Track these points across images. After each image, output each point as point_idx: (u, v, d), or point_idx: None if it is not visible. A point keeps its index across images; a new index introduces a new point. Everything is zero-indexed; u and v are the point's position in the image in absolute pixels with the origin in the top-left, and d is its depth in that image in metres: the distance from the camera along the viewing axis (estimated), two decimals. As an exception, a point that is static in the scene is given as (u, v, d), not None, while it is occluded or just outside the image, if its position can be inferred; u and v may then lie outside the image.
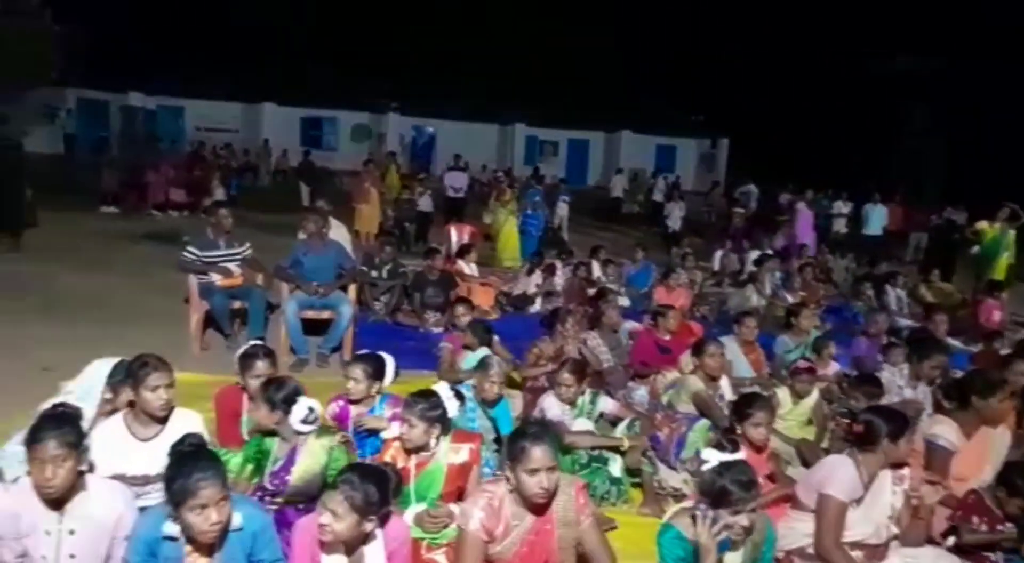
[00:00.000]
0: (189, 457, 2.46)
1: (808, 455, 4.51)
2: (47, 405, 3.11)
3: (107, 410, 3.41)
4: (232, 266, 6.48)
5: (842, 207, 17.06)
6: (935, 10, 26.67)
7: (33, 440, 2.46)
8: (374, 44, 32.22)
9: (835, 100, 31.10)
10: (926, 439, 3.93)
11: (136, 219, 13.42)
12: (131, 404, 3.18)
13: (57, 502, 2.54)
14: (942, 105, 26.86)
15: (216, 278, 6.38)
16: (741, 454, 2.75)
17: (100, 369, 3.49)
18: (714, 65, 34.56)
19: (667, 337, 5.88)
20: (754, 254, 11.41)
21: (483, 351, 4.88)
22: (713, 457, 2.69)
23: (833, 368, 5.89)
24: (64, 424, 2.53)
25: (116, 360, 3.50)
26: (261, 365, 3.73)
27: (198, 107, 25.85)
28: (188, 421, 3.22)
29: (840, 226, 16.90)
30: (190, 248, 6.47)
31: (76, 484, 2.55)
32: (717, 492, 2.59)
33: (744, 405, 3.85)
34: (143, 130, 16.66)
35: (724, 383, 4.81)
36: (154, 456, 3.09)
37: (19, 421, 3.92)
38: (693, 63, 34.56)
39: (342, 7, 31.53)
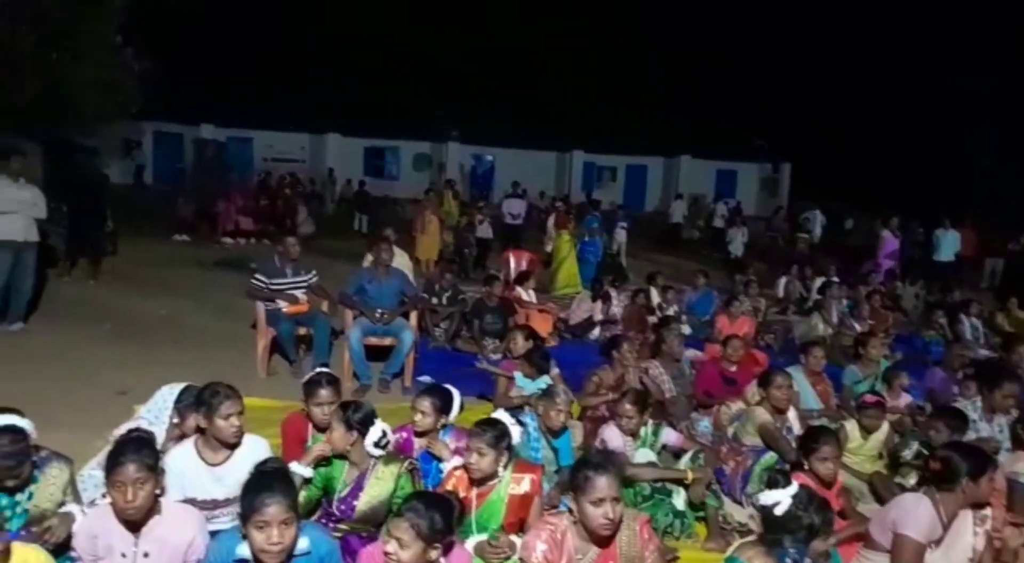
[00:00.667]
0: (266, 476, 2.54)
1: (882, 491, 4.35)
2: (122, 429, 3.24)
3: (176, 434, 3.52)
4: (298, 293, 6.63)
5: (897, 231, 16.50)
6: (1010, 27, 25.80)
7: (114, 463, 2.56)
8: (435, 74, 32.96)
9: (903, 121, 30.30)
10: (1008, 478, 3.75)
11: (207, 247, 13.89)
12: (200, 430, 3.27)
13: (134, 524, 2.62)
14: (1018, 125, 25.85)
15: (283, 305, 6.54)
16: (794, 488, 2.67)
17: (169, 394, 3.60)
18: (775, 88, 34.17)
19: (732, 367, 5.77)
20: (819, 281, 11.16)
21: (544, 379, 4.87)
22: (779, 496, 2.61)
23: (905, 400, 5.68)
24: (143, 448, 2.63)
25: (184, 385, 3.61)
26: (325, 393, 3.79)
27: (266, 138, 26.72)
28: (256, 447, 3.29)
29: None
30: (258, 276, 6.65)
31: (152, 507, 2.64)
32: (796, 524, 2.54)
33: (811, 439, 3.75)
34: (214, 161, 17.33)
35: (792, 415, 4.69)
36: (222, 481, 3.19)
37: (96, 444, 4.10)
38: (753, 87, 34.25)
39: (403, 39, 32.37)
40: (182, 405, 3.52)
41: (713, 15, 34.82)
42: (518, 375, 5.05)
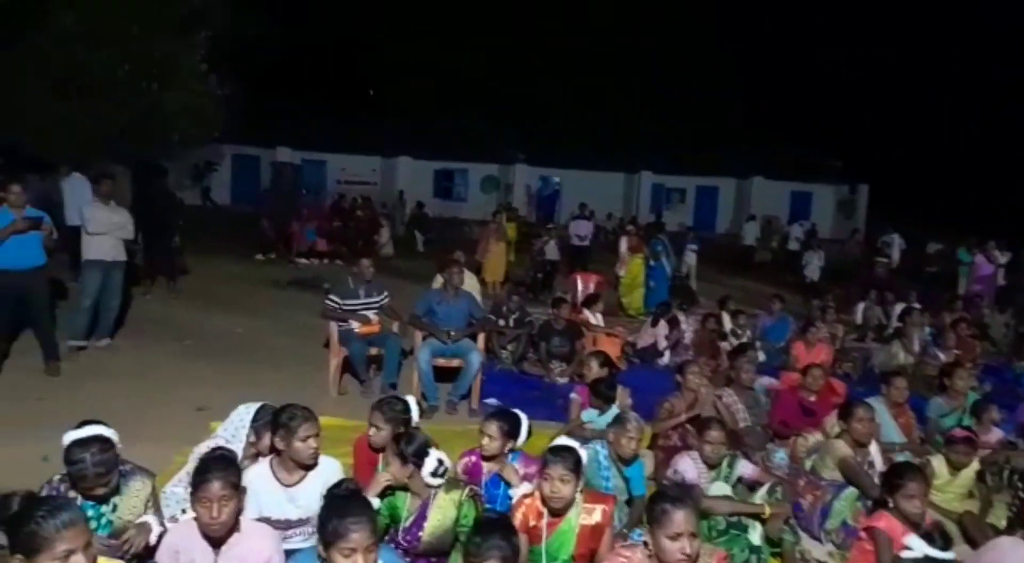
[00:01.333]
0: (344, 500, 2.54)
1: (974, 532, 4.10)
2: (203, 447, 3.33)
3: (252, 453, 3.59)
4: (370, 314, 6.75)
5: (999, 257, 15.73)
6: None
7: (200, 481, 2.63)
8: (503, 97, 33.38)
9: (987, 141, 29.10)
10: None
11: (282, 266, 14.30)
12: (275, 450, 3.33)
13: (216, 541, 2.69)
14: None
15: (355, 325, 6.66)
16: (951, 555, 2.52)
17: (246, 413, 3.67)
18: (851, 108, 33.32)
19: (811, 397, 5.57)
20: (900, 307, 10.73)
21: (612, 410, 4.79)
22: (918, 547, 2.49)
23: (995, 435, 5.38)
24: (228, 466, 2.70)
25: (259, 405, 3.69)
26: (377, 416, 3.79)
27: (339, 161, 27.47)
28: (330, 469, 3.34)
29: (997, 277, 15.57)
30: (332, 296, 6.80)
31: (233, 525, 2.70)
32: None
33: (895, 475, 3.56)
34: (290, 183, 17.90)
35: (873, 449, 4.48)
36: (297, 502, 3.24)
37: (176, 459, 4.23)
38: (829, 107, 33.48)
39: (473, 64, 32.91)
40: (258, 424, 3.59)
41: (787, 36, 34.26)
42: (588, 411, 4.97)
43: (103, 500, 2.95)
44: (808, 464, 4.51)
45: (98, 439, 2.90)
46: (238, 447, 3.57)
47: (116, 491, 2.97)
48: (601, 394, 4.90)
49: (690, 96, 33.52)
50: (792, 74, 33.71)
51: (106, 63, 11.76)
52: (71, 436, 2.92)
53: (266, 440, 3.50)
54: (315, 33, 27.43)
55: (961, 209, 25.08)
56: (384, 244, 18.16)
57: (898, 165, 31.05)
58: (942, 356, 8.30)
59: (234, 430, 3.69)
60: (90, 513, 2.90)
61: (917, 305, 10.49)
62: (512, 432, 3.83)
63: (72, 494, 2.91)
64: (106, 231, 7.15)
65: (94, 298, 7.18)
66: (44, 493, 2.89)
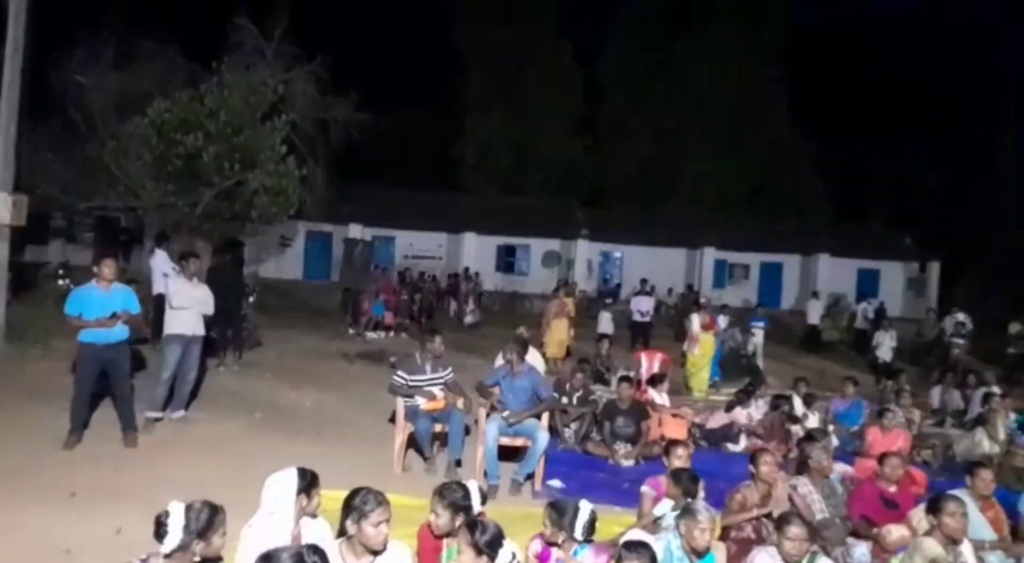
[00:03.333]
0: None
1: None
2: (254, 522, 3.37)
3: (301, 518, 3.59)
4: (436, 390, 6.82)
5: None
6: None
7: None
8: (566, 174, 34.13)
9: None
10: None
11: (351, 340, 14.60)
12: (345, 533, 3.33)
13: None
14: None
15: (421, 402, 6.74)
16: None
17: (284, 481, 3.60)
18: (921, 185, 32.72)
19: (892, 488, 5.32)
20: (981, 391, 10.26)
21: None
22: None
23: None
24: None
25: (295, 470, 3.63)
26: (438, 504, 3.73)
27: (407, 237, 28.26)
28: (399, 555, 3.34)
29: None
30: (400, 372, 6.90)
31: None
32: None
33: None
34: (361, 259, 18.45)
35: (966, 548, 4.24)
36: (364, 586, 3.24)
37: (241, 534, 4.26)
38: (897, 183, 32.99)
39: (534, 142, 33.88)
40: (305, 485, 3.58)
41: (853, 110, 34.23)
42: (662, 504, 4.77)
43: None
44: None
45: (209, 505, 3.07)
46: (284, 518, 3.56)
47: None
48: (683, 485, 4.65)
49: (754, 172, 33.61)
50: (859, 149, 33.46)
51: (195, 147, 12.56)
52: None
53: (316, 500, 3.59)
54: (390, 116, 28.61)
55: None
56: (470, 311, 18.58)
57: (971, 240, 30.16)
58: (1031, 446, 7.88)
59: (277, 502, 3.66)
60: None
61: (996, 390, 10.01)
62: (570, 522, 3.76)
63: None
64: (189, 306, 7.48)
65: (173, 371, 7.45)
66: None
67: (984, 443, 8.12)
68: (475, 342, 14.98)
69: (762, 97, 32.94)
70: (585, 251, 28.39)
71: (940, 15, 34.00)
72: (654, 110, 33.55)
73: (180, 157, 12.84)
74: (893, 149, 33.53)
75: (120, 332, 6.66)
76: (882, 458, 5.58)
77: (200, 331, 7.66)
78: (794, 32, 33.32)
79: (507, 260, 28.96)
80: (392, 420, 7.08)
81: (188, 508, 3.06)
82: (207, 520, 3.08)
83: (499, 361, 7.86)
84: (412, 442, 6.88)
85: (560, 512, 3.80)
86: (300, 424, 8.00)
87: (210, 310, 7.77)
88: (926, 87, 33.94)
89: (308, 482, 3.58)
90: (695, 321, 12.18)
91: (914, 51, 34.40)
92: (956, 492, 5.05)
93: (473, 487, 3.82)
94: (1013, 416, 8.99)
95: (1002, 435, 8.24)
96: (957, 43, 32.87)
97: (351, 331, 15.28)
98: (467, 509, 3.70)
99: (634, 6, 34.17)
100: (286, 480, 3.57)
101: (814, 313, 20.00)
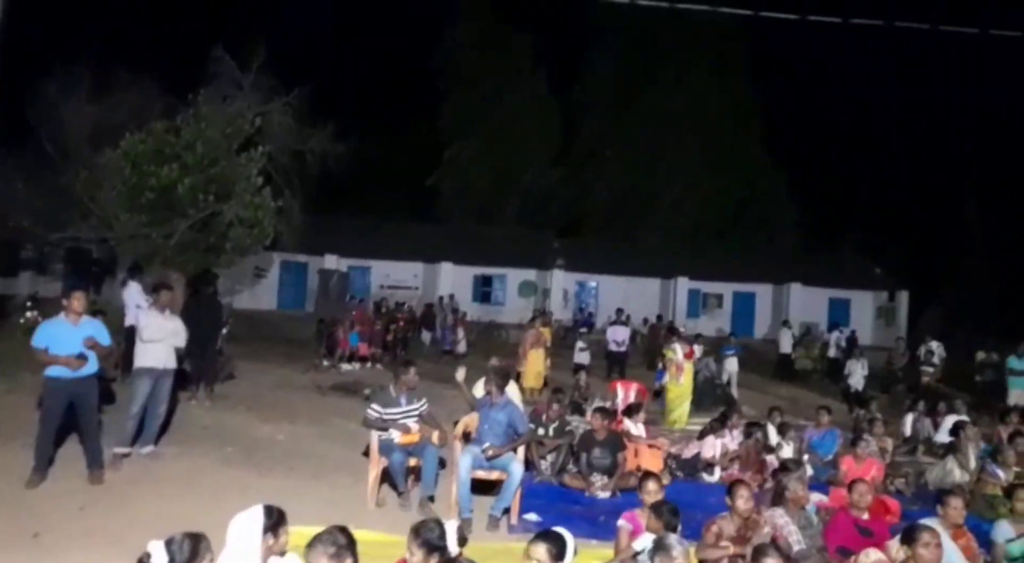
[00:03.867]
0: None
1: None
2: None
3: (269, 556, 3.51)
4: (411, 423, 6.77)
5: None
6: None
7: None
8: (543, 204, 34.38)
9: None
10: None
11: (325, 371, 14.46)
12: None
13: None
14: None
15: (395, 435, 6.67)
16: None
17: (249, 520, 3.53)
18: (890, 214, 33.42)
19: (864, 515, 5.35)
20: (950, 419, 10.38)
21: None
22: None
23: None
24: None
25: (262, 508, 3.56)
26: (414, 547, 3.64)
27: (383, 267, 28.20)
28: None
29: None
30: (374, 405, 6.84)
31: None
32: None
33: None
34: (337, 289, 18.36)
35: (939, 577, 4.27)
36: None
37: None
38: (867, 213, 33.65)
39: (510, 173, 34.17)
40: (273, 523, 3.51)
41: (824, 142, 34.99)
42: (641, 539, 4.72)
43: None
44: (866, 591, 4.31)
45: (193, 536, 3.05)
46: (250, 558, 3.48)
47: None
48: (664, 519, 4.64)
49: (727, 202, 34.11)
50: (829, 180, 34.15)
51: (170, 179, 12.51)
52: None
53: (283, 538, 3.52)
54: (366, 147, 28.75)
55: (1009, 316, 24.53)
56: (460, 340, 18.56)
57: (939, 269, 30.81)
58: (1001, 474, 7.96)
59: (242, 541, 3.56)
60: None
61: (967, 418, 10.14)
62: (560, 554, 3.73)
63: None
64: (161, 339, 7.38)
65: (142, 405, 7.32)
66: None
67: (955, 471, 8.19)
68: (451, 372, 14.87)
69: (735, 128, 33.54)
70: (561, 281, 28.51)
71: (911, 46, 34.98)
72: (629, 140, 34.04)
73: (154, 188, 12.77)
74: (863, 180, 34.32)
75: (89, 366, 6.54)
76: (851, 486, 5.62)
77: (172, 364, 7.56)
78: (766, 64, 34.13)
79: (484, 290, 29.01)
80: (366, 454, 7.00)
81: (168, 543, 3.01)
82: (191, 550, 3.05)
83: (478, 389, 7.83)
84: (386, 476, 6.80)
85: (556, 544, 3.72)
86: (272, 458, 7.87)
87: (182, 343, 7.68)
88: (895, 120, 34.84)
89: (275, 520, 3.51)
90: (679, 351, 12.17)
91: (884, 83, 35.40)
92: (927, 521, 5.09)
93: (451, 527, 3.75)
94: (983, 444, 9.10)
95: (973, 463, 8.33)
96: (926, 75, 33.87)
97: (325, 363, 15.16)
98: (442, 549, 3.65)
99: (609, 39, 34.75)
100: (251, 519, 3.50)
101: (786, 342, 20.20)
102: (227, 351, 11.93)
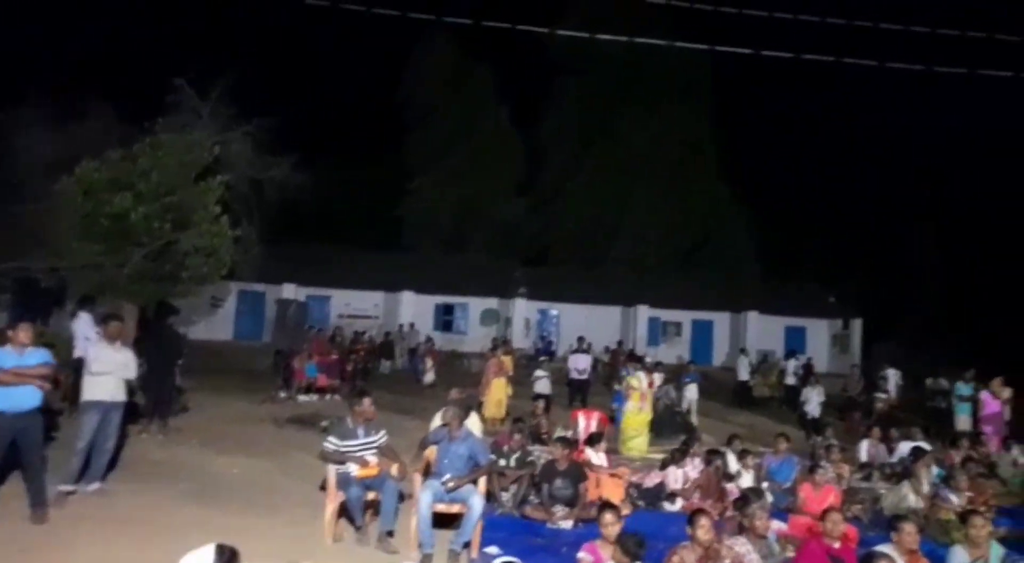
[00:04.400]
0: None
1: None
2: None
3: None
4: (369, 456, 6.65)
5: (1003, 392, 15.51)
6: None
7: None
8: (504, 233, 34.52)
9: (986, 274, 29.79)
10: None
11: (282, 403, 14.19)
12: None
13: None
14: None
15: (353, 469, 6.55)
16: None
17: (199, 561, 3.47)
18: (846, 243, 34.27)
19: (836, 544, 5.39)
20: (904, 445, 10.58)
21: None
22: None
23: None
24: None
25: (214, 546, 3.50)
26: None
27: (343, 296, 27.92)
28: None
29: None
30: (331, 438, 6.71)
31: None
32: None
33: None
34: (294, 319, 18.12)
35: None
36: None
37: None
38: (821, 241, 34.45)
39: (472, 202, 34.32)
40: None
41: (781, 172, 35.81)
42: None
43: None
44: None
45: None
46: None
47: None
48: (630, 551, 4.63)
49: (687, 233, 34.64)
50: (786, 211, 34.92)
51: (125, 207, 12.29)
52: None
53: None
54: (326, 175, 28.61)
55: (956, 343, 25.25)
56: (427, 370, 18.41)
57: (893, 298, 31.65)
58: (954, 498, 8.12)
59: None
60: None
61: (925, 444, 10.33)
62: None
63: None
64: (110, 371, 7.18)
65: (89, 440, 7.08)
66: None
67: (910, 497, 8.32)
68: (412, 403, 14.77)
69: (695, 161, 34.20)
70: (523, 309, 28.55)
71: (866, 81, 36.12)
72: (593, 172, 34.51)
73: (108, 216, 12.52)
74: (819, 210, 35.16)
75: (32, 399, 6.32)
76: (824, 515, 5.67)
77: (121, 397, 7.34)
78: (726, 98, 34.96)
79: (445, 318, 28.90)
80: (323, 488, 6.85)
81: None
82: None
83: (436, 421, 7.75)
84: (344, 511, 6.66)
85: None
86: (227, 494, 7.66)
87: (132, 375, 7.49)
88: (852, 152, 35.83)
89: (227, 559, 3.43)
90: (644, 379, 12.21)
91: (840, 117, 36.46)
92: (883, 547, 5.16)
93: None
94: (936, 470, 9.27)
95: (926, 488, 8.48)
96: (882, 109, 34.93)
97: (283, 394, 14.89)
98: None
99: (572, 74, 35.28)
100: (202, 559, 3.41)
101: (743, 370, 20.48)
102: (180, 383, 11.66)
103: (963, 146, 32.02)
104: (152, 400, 10.30)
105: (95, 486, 7.20)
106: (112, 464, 7.61)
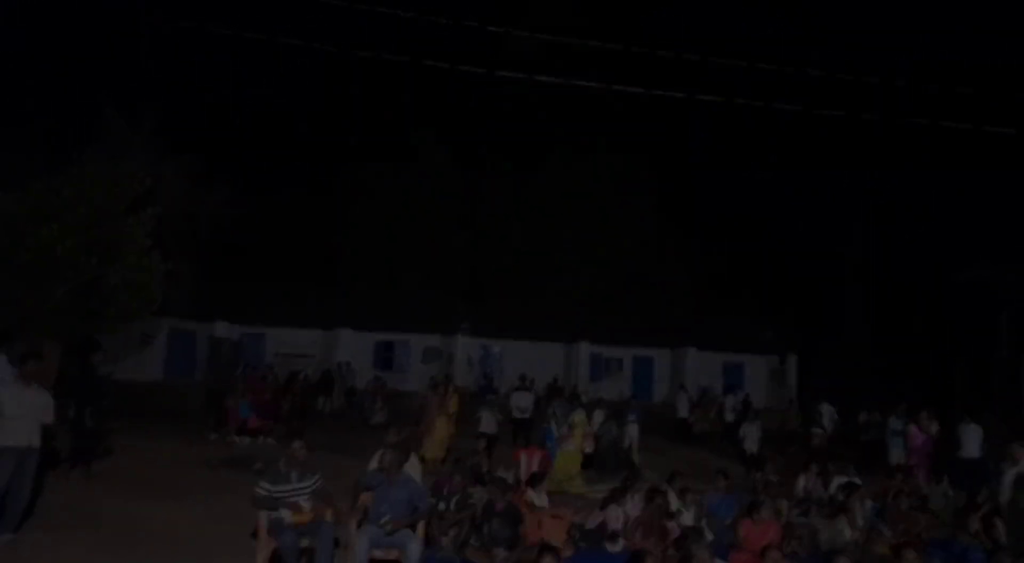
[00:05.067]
0: None
1: None
2: None
3: None
4: (302, 501, 6.41)
5: (931, 426, 15.94)
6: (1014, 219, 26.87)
7: None
8: (444, 269, 34.37)
9: (913, 312, 30.96)
10: None
11: (214, 445, 13.66)
12: None
13: None
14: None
15: (287, 515, 6.29)
16: None
17: None
18: (780, 280, 35.22)
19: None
20: (839, 480, 10.76)
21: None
22: None
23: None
24: None
25: None
26: None
27: (278, 335, 27.28)
28: None
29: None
30: (263, 484, 6.46)
31: None
32: None
33: None
34: (228, 357, 17.56)
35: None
36: None
37: None
38: (758, 279, 35.33)
39: (412, 238, 34.18)
40: None
41: (718, 210, 36.70)
42: None
43: None
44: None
45: None
46: None
47: None
48: None
49: (625, 269, 35.11)
50: (725, 248, 35.73)
51: (47, 239, 11.78)
52: None
53: None
54: (262, 209, 28.06)
55: (887, 378, 26.08)
56: (376, 411, 17.95)
57: (828, 334, 32.58)
58: (887, 532, 8.28)
59: None
60: None
61: (857, 480, 10.53)
62: None
63: None
64: (25, 414, 6.79)
65: (2, 488, 6.66)
66: None
67: (846, 531, 8.43)
68: (352, 443, 14.37)
69: (630, 198, 34.86)
70: (466, 346, 28.37)
71: (795, 125, 37.26)
72: (530, 207, 34.81)
73: (30, 249, 11.97)
74: (752, 247, 36.10)
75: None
76: (763, 552, 5.69)
77: (36, 442, 6.94)
78: (659, 138, 35.79)
79: (385, 356, 28.47)
80: (256, 535, 6.55)
81: None
82: None
83: (373, 464, 7.55)
84: (277, 559, 6.37)
85: None
86: (153, 542, 7.28)
87: (50, 418, 7.11)
88: (782, 184, 36.83)
89: None
90: (583, 417, 12.20)
91: (773, 158, 37.56)
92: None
93: None
94: (869, 503, 9.45)
95: (861, 522, 8.62)
96: (813, 152, 36.03)
97: (215, 435, 14.35)
98: None
99: (508, 112, 35.71)
100: None
101: (682, 406, 20.69)
102: (102, 425, 11.10)
103: (895, 191, 33.32)
104: (74, 443, 9.77)
105: (8, 537, 6.78)
106: (27, 512, 7.17)
